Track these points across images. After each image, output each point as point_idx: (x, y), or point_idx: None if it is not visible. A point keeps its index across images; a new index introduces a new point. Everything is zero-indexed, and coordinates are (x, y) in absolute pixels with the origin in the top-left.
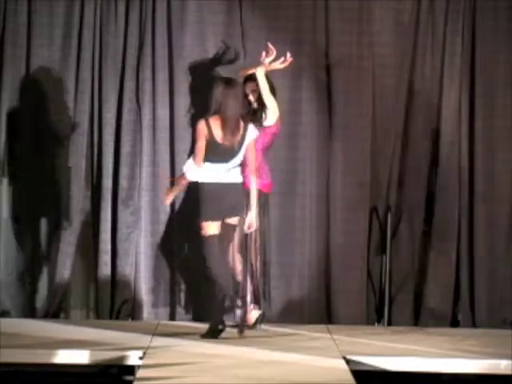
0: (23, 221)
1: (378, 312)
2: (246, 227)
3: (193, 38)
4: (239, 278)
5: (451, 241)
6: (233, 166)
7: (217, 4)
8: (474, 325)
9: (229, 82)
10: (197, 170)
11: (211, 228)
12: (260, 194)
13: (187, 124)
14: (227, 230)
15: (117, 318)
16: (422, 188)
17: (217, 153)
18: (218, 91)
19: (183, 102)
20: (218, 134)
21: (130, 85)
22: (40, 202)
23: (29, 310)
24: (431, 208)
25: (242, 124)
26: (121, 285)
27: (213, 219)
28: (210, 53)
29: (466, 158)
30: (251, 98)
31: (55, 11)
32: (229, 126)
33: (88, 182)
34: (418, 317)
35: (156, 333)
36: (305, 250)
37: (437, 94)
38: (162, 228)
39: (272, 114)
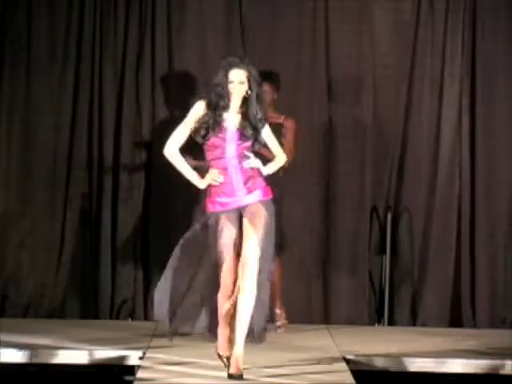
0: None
1: (378, 312)
2: None
3: (193, 39)
4: None
5: (451, 241)
6: None
7: (217, 4)
8: (474, 325)
9: None
10: None
11: None
12: None
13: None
14: None
15: (117, 318)
16: (422, 188)
17: None
18: None
19: (183, 102)
20: None
21: (129, 85)
22: (39, 202)
23: (28, 310)
24: (431, 208)
25: None
26: (121, 285)
27: None
28: (210, 53)
29: (467, 157)
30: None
31: (55, 12)
32: None
33: (88, 182)
34: (418, 317)
35: (156, 333)
36: (305, 250)
37: (437, 94)
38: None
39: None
